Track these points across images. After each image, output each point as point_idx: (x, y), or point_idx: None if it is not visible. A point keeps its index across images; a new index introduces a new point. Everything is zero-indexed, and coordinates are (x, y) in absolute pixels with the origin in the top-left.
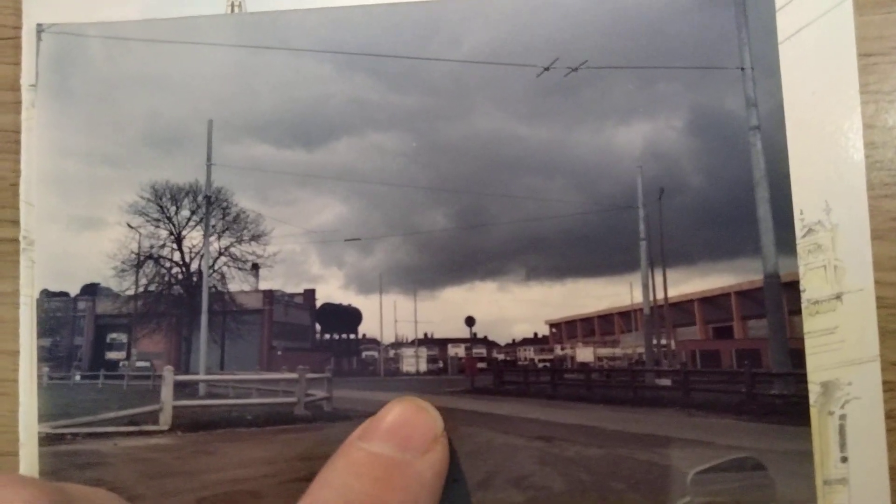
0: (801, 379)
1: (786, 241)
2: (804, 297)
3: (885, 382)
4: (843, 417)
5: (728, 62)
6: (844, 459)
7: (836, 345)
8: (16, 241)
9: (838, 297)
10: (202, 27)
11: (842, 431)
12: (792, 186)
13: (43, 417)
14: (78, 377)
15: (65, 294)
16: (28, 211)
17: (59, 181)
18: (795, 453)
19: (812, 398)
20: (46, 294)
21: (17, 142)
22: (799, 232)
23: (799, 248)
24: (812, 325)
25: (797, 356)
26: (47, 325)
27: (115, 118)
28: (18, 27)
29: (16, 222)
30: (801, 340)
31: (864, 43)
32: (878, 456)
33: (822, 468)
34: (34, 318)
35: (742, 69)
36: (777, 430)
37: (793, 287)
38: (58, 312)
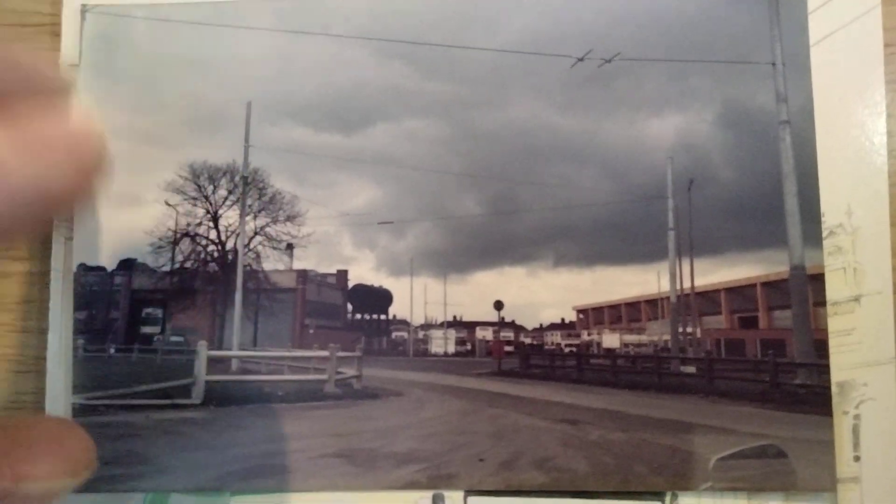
0: (825, 370)
1: (812, 234)
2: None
3: None
4: (857, 417)
5: (759, 57)
6: (857, 458)
7: (854, 346)
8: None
9: (857, 299)
10: (245, 11)
11: (855, 431)
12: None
13: (77, 388)
14: (113, 350)
15: (101, 269)
16: None
17: None
18: (817, 442)
19: None
20: (84, 268)
21: None
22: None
23: None
24: (831, 325)
25: (821, 347)
26: (84, 299)
27: (156, 98)
28: (56, 14)
29: None
30: (825, 332)
31: (886, 33)
32: (890, 455)
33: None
34: (67, 292)
35: (773, 64)
36: (800, 420)
37: (818, 279)
38: (94, 286)
